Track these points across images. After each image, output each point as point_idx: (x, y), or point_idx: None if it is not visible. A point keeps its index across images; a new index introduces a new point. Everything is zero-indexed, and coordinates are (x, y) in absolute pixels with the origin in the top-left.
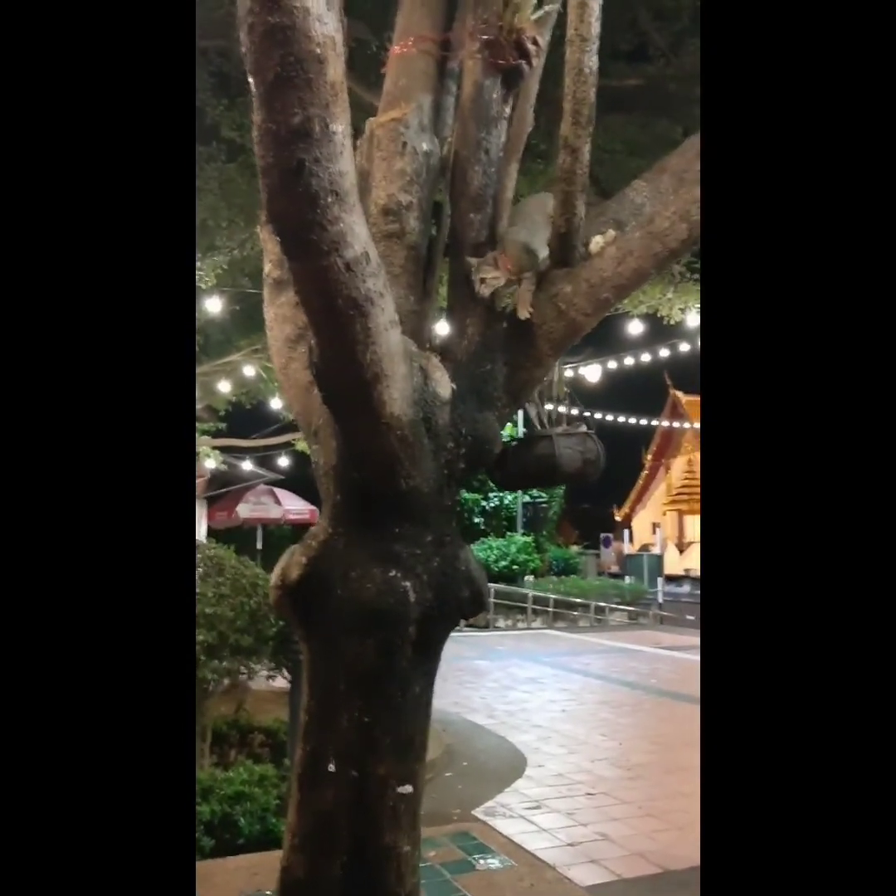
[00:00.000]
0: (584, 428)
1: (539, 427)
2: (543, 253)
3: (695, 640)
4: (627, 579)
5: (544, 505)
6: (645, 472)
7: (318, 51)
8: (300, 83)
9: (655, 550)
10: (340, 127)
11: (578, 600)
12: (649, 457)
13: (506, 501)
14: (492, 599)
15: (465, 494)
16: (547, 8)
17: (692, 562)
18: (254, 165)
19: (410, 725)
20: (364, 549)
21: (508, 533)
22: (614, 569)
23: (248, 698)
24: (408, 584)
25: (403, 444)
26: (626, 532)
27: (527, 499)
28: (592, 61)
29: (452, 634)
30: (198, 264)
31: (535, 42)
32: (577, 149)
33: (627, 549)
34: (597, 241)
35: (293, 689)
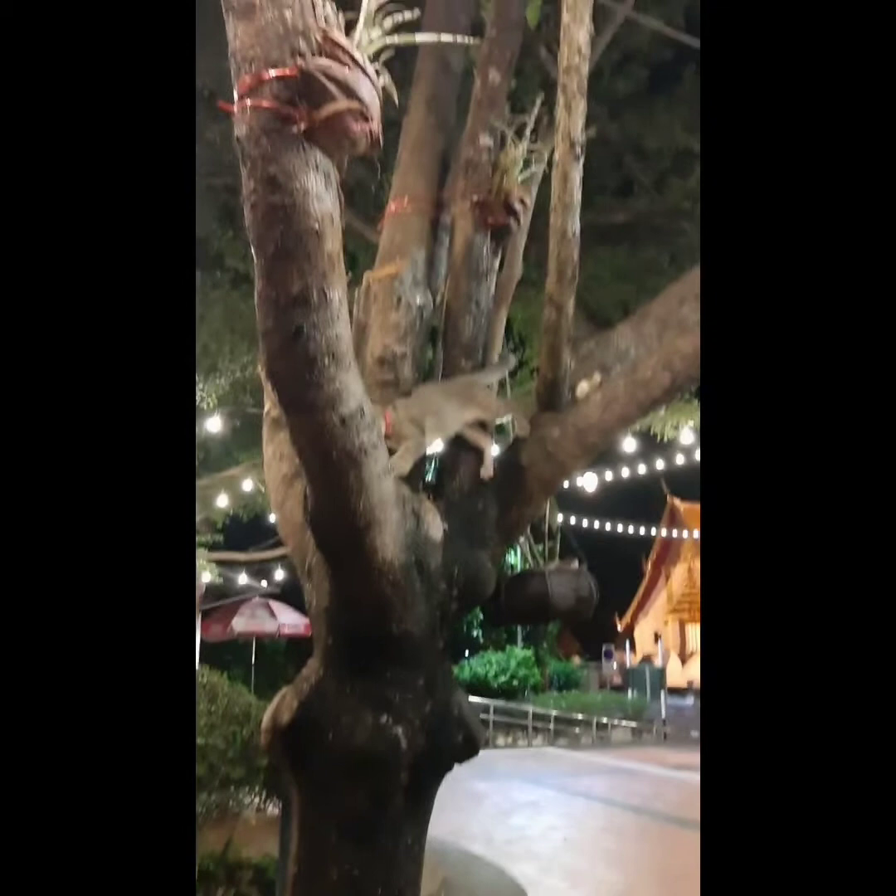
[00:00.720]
0: (576, 564)
1: (531, 563)
2: (430, 435)
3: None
4: (630, 693)
5: None
6: (645, 581)
7: (317, 227)
8: (299, 256)
9: (658, 662)
10: (337, 294)
11: (580, 716)
12: (649, 565)
13: None
14: (491, 716)
15: None
16: (533, 170)
17: (695, 672)
18: None
19: (402, 878)
20: (355, 693)
21: (508, 646)
22: (617, 681)
23: (238, 826)
24: (399, 729)
25: (395, 588)
26: (627, 643)
27: None
28: (575, 225)
29: None
30: (200, 386)
31: (522, 202)
32: (562, 305)
33: (629, 660)
34: (583, 388)
35: (284, 823)
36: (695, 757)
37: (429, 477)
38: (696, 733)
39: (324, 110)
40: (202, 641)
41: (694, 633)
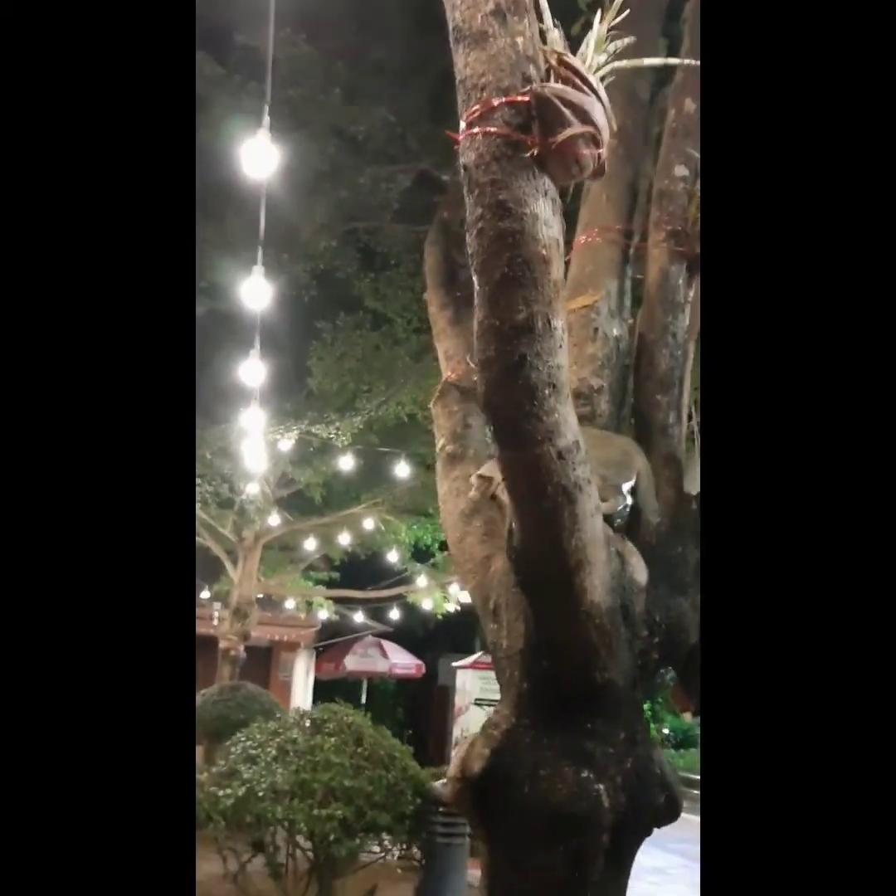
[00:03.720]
0: None
1: None
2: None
3: None
4: None
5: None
6: None
7: (544, 252)
8: (526, 282)
9: None
10: (560, 322)
11: (699, 777)
12: None
13: None
14: None
15: None
16: None
17: None
18: (396, 335)
19: None
20: (553, 745)
21: None
22: None
23: (383, 875)
24: (601, 786)
25: (601, 633)
26: None
27: None
28: None
29: None
30: (336, 424)
31: None
32: None
33: None
34: None
35: (428, 877)
36: None
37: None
38: None
39: (560, 135)
40: (316, 679)
41: None
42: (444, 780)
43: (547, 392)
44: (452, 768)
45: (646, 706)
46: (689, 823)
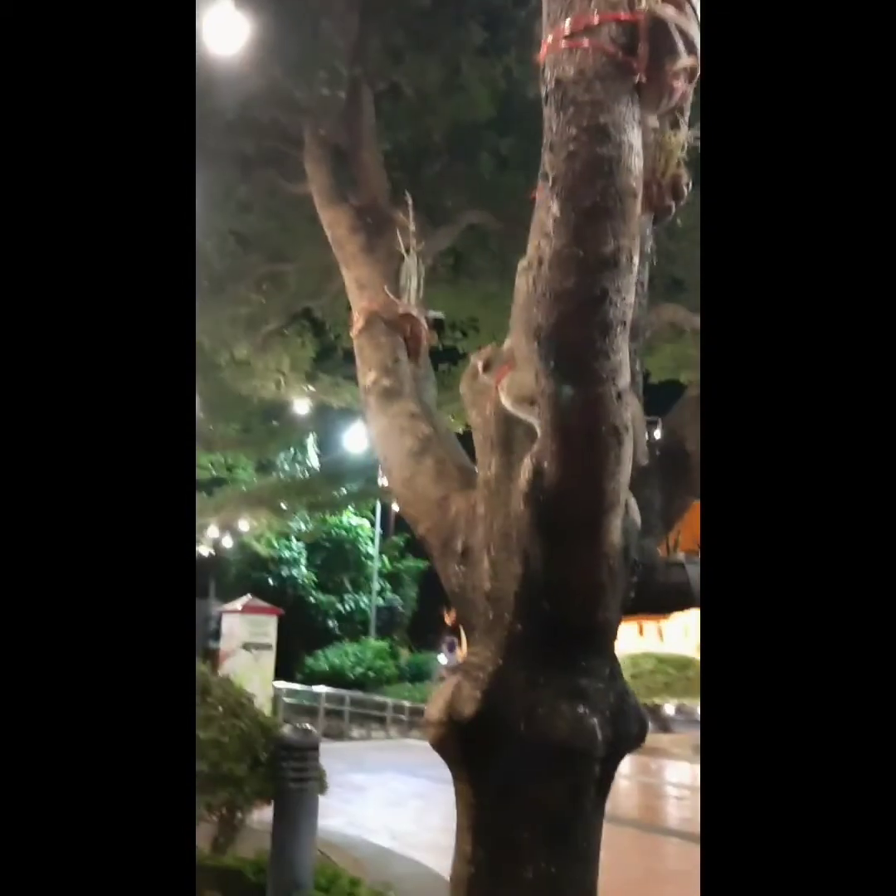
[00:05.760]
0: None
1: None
2: None
3: None
4: None
5: (401, 609)
6: None
7: (635, 185)
8: (616, 214)
9: None
10: (638, 260)
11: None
12: None
13: (361, 605)
14: (346, 707)
15: (321, 596)
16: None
17: None
18: None
19: (593, 875)
20: (549, 683)
21: (363, 637)
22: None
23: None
24: (595, 720)
25: (611, 574)
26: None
27: (380, 602)
28: None
29: None
30: None
31: (687, 184)
32: None
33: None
34: None
35: (280, 823)
36: None
37: None
38: None
39: (671, 64)
40: None
41: None
42: (299, 726)
43: (619, 330)
44: (436, 712)
45: (385, 643)
46: (424, 751)
